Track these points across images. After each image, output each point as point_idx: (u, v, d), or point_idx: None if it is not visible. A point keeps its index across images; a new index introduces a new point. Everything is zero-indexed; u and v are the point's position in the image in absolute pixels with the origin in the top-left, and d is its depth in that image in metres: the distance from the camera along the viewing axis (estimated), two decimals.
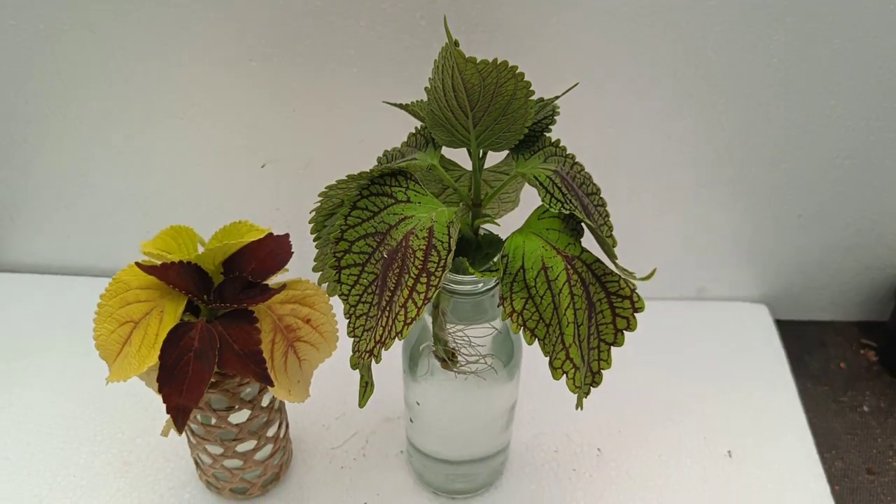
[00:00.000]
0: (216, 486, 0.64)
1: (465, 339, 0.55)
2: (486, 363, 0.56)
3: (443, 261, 0.44)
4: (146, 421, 0.72)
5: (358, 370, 0.48)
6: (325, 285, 0.56)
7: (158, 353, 0.50)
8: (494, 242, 0.52)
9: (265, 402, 0.59)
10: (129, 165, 0.75)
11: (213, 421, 0.57)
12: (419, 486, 0.68)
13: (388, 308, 0.45)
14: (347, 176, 0.47)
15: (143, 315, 0.52)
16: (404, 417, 0.73)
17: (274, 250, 0.56)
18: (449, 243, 0.45)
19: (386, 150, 0.54)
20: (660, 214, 0.78)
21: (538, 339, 0.47)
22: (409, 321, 0.43)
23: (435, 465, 0.64)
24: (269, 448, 0.63)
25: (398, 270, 0.45)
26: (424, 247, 0.45)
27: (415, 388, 0.59)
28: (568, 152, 0.51)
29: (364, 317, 0.47)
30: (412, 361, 0.59)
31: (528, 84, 0.45)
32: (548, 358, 0.47)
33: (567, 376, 0.47)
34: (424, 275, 0.44)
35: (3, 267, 0.85)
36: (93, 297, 0.53)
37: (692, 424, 0.74)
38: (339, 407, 0.74)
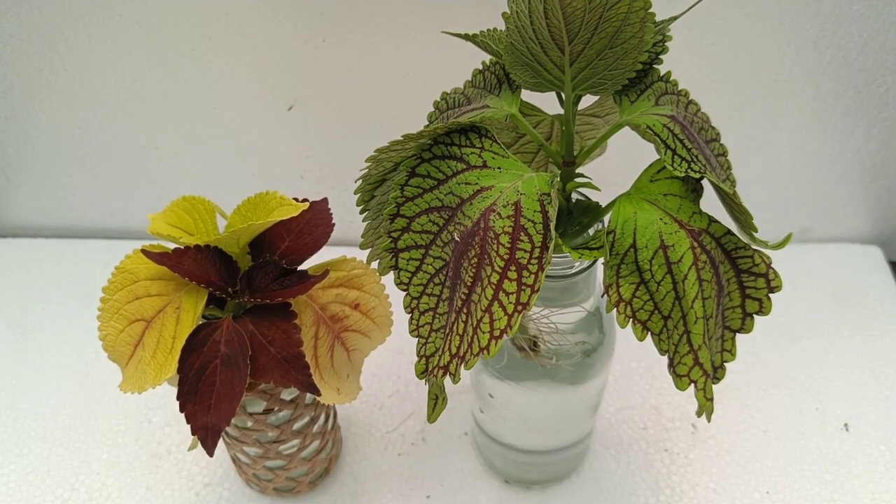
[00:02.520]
0: (258, 486, 0.56)
1: (550, 324, 0.45)
2: (574, 352, 0.46)
3: (536, 249, 0.33)
4: (175, 406, 0.63)
5: (426, 381, 0.38)
6: (375, 263, 0.46)
7: (177, 360, 0.40)
8: (590, 210, 0.41)
9: (309, 398, 0.50)
10: (133, 111, 0.64)
11: (250, 424, 0.48)
12: (489, 473, 0.59)
13: (464, 310, 0.35)
14: (403, 136, 0.36)
15: (157, 312, 0.42)
16: (470, 395, 0.64)
17: (311, 222, 0.46)
18: (545, 224, 0.34)
19: (444, 93, 0.43)
20: (756, 142, 0.66)
21: (652, 334, 0.37)
22: (497, 334, 0.33)
23: (508, 453, 0.55)
24: (315, 445, 0.54)
25: (476, 261, 0.35)
26: (511, 229, 0.34)
27: (487, 379, 0.49)
28: (680, 88, 0.40)
29: (430, 313, 0.37)
30: None
31: (647, 4, 0.33)
32: (667, 359, 0.37)
33: (696, 387, 0.36)
34: (513, 268, 0.33)
35: (3, 231, 0.75)
36: (107, 262, 0.43)
37: (801, 392, 0.64)
38: (392, 382, 0.65)
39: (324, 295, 0.44)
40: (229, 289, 0.42)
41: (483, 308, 0.33)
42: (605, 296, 0.37)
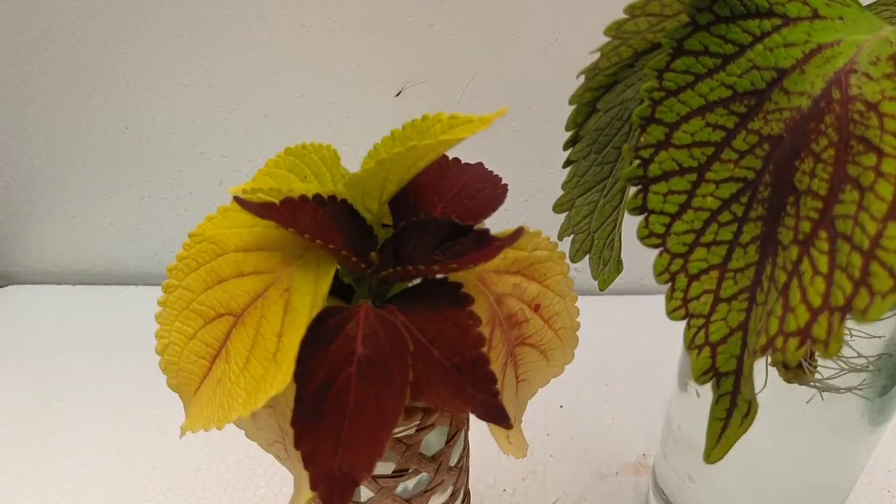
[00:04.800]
0: None
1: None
2: (878, 371, 0.30)
3: None
4: (258, 483, 0.47)
5: (713, 384, 0.23)
6: (568, 241, 0.32)
7: (288, 369, 0.25)
8: None
9: (454, 458, 0.34)
10: (197, 102, 0.50)
11: (367, 496, 0.33)
12: None
13: (818, 234, 0.20)
14: None
15: (252, 300, 0.27)
16: (631, 475, 0.47)
17: (469, 185, 0.32)
18: None
19: None
20: None
21: None
22: None
23: None
24: None
25: (832, 154, 0.20)
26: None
27: None
28: None
29: (714, 272, 0.23)
30: None
31: None
32: None
33: None
34: None
35: (26, 275, 0.60)
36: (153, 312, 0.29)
37: None
38: (525, 459, 0.49)
39: (500, 282, 0.30)
40: (371, 254, 0.27)
41: (877, 215, 0.19)
42: None
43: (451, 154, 0.32)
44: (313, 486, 0.25)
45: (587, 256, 0.32)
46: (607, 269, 0.33)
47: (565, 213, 0.31)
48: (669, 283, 0.23)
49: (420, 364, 0.26)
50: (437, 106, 0.49)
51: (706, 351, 0.23)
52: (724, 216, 0.23)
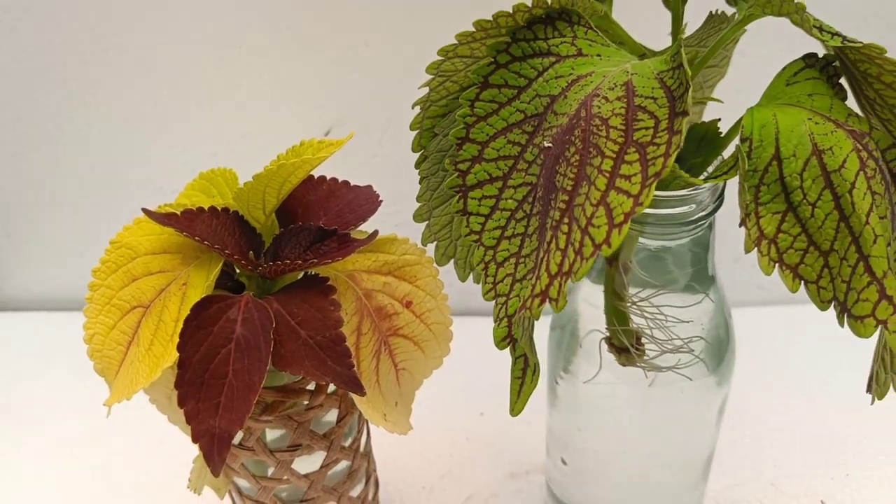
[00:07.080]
0: None
1: (659, 314, 0.35)
2: (692, 351, 0.36)
3: (663, 121, 0.25)
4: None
5: (511, 349, 0.29)
6: (431, 247, 0.37)
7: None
8: (707, 140, 0.33)
9: (348, 439, 0.39)
10: (150, 144, 0.57)
11: (271, 471, 0.38)
12: None
13: (564, 220, 0.26)
14: (475, 23, 0.29)
15: (158, 293, 0.33)
16: (550, 462, 0.52)
17: (354, 202, 0.38)
18: (670, 97, 0.25)
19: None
20: None
21: (806, 284, 0.28)
22: (619, 221, 0.23)
23: None
24: None
25: (577, 158, 0.26)
26: (623, 111, 0.26)
27: (575, 404, 0.39)
28: None
29: (512, 259, 0.29)
30: (567, 361, 0.38)
31: None
32: (835, 308, 0.28)
33: (887, 327, 0.26)
34: (632, 149, 0.25)
35: (7, 302, 0.66)
36: None
37: None
38: (444, 461, 0.54)
39: (369, 280, 0.35)
40: (251, 253, 0.33)
41: (594, 202, 0.24)
42: (742, 226, 0.28)
43: None
44: (195, 440, 0.30)
45: (452, 261, 0.37)
46: (475, 274, 0.39)
47: (426, 223, 0.36)
48: (484, 272, 0.29)
49: (289, 342, 0.32)
50: (360, 145, 0.55)
51: (504, 322, 0.28)
52: (519, 214, 0.29)
